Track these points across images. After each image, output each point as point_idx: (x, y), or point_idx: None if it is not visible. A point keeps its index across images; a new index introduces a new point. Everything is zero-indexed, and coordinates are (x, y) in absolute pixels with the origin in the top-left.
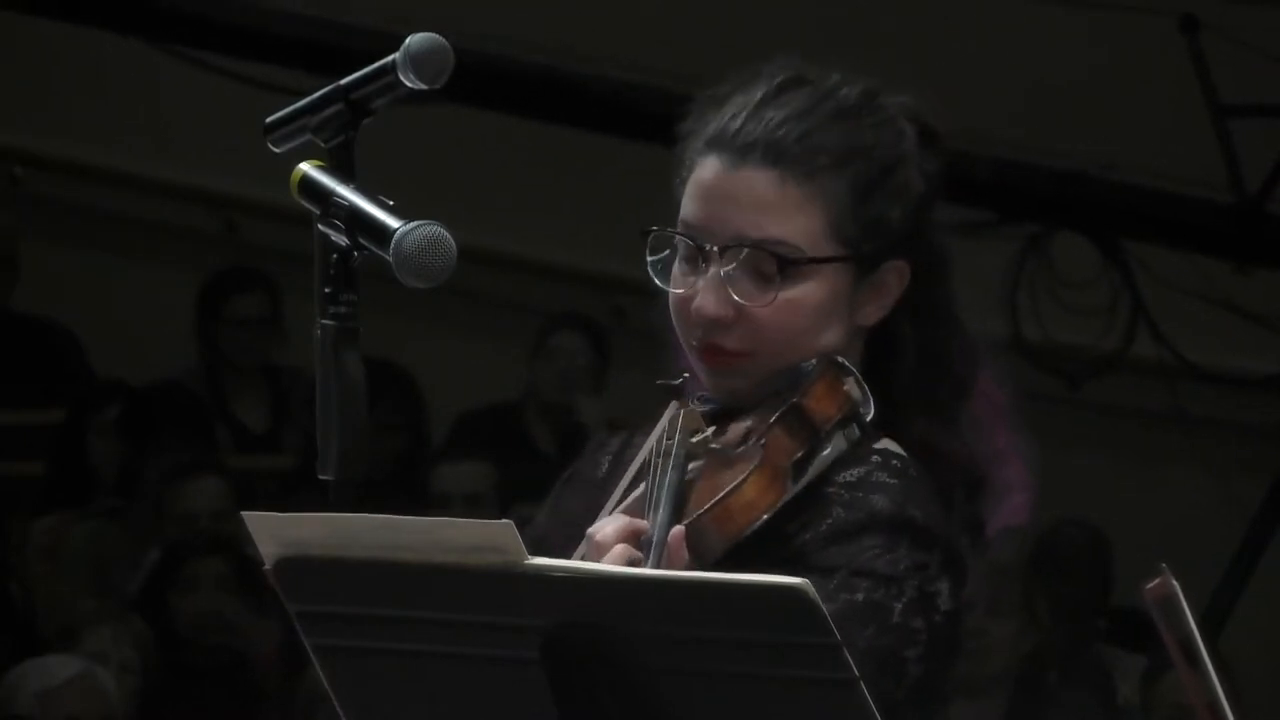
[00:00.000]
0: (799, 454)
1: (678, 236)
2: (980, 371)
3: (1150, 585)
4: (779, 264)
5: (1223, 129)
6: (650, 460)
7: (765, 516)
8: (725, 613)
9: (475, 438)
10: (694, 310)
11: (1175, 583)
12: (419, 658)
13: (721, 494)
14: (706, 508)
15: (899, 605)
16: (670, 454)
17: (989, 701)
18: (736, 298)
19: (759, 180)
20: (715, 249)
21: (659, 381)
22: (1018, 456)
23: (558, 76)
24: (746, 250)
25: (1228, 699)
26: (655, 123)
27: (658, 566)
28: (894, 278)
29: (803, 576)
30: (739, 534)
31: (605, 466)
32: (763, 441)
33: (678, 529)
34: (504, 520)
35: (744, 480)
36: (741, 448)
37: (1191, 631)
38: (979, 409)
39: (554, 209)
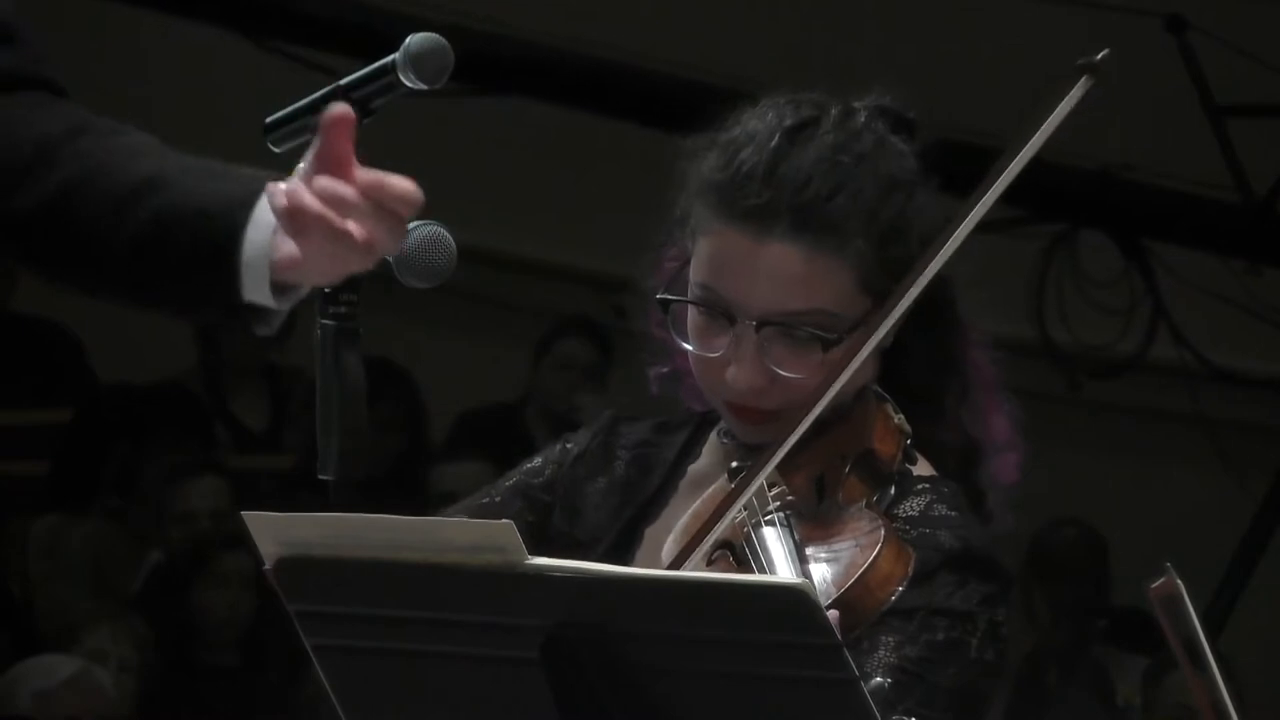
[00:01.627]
0: (875, 497)
1: (697, 295)
2: (970, 346)
3: (1155, 585)
4: (823, 344)
5: (1220, 129)
6: (736, 520)
7: (900, 588)
8: (725, 613)
9: (475, 438)
10: (729, 380)
11: (1180, 582)
12: (419, 658)
13: (861, 571)
14: (849, 585)
15: (974, 640)
16: (773, 520)
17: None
18: (774, 367)
19: (788, 256)
20: (750, 323)
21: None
22: (1003, 416)
23: (569, 62)
24: (780, 326)
25: (1231, 699)
26: (667, 108)
27: None
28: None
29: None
30: (878, 609)
31: (623, 465)
32: (864, 502)
33: (833, 614)
34: (504, 520)
35: (879, 554)
36: (826, 502)
37: (1196, 631)
38: (970, 379)
39: (554, 208)
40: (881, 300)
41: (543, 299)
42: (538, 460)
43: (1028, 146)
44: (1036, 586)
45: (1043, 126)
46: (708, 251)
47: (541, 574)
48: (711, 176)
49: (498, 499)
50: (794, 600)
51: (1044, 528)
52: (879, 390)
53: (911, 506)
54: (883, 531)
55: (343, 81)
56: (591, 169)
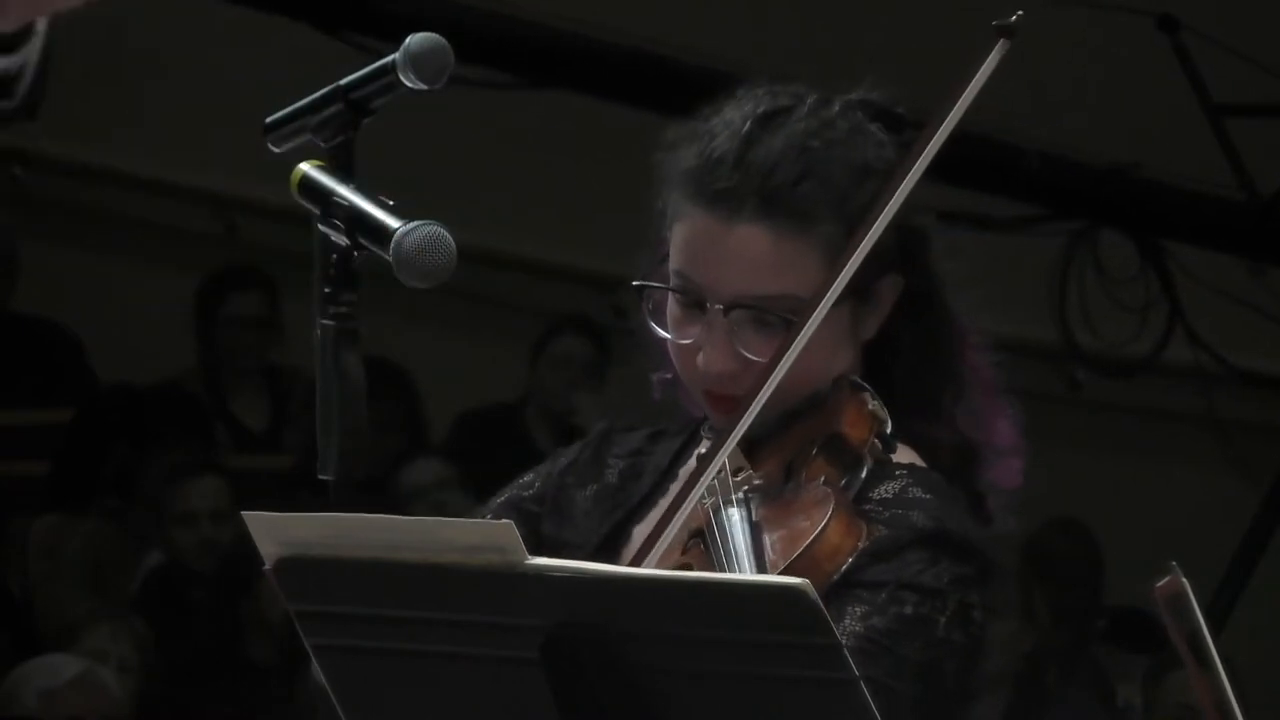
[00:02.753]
0: (844, 480)
1: (673, 282)
2: (968, 347)
3: (1160, 584)
4: (786, 324)
5: (1219, 128)
6: (704, 506)
7: (850, 560)
8: (725, 613)
9: (475, 438)
10: (700, 365)
11: (1185, 581)
12: (419, 658)
13: (806, 544)
14: (793, 559)
15: (942, 619)
16: (728, 495)
17: (988, 701)
18: (743, 351)
19: (755, 238)
20: (719, 307)
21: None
22: (1005, 420)
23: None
24: (749, 310)
25: (1236, 699)
26: (672, 91)
27: None
28: (889, 291)
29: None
30: (826, 581)
31: (616, 472)
32: (822, 479)
33: None
34: (504, 520)
35: (825, 528)
36: (791, 483)
37: (1201, 630)
38: (966, 379)
39: (553, 207)
40: (855, 287)
41: (542, 299)
42: (529, 475)
43: (952, 114)
44: (1036, 586)
45: (964, 95)
46: (681, 237)
47: (541, 574)
48: (686, 164)
49: (489, 516)
50: (794, 600)
51: (1043, 528)
52: (857, 380)
53: (887, 490)
54: (832, 504)
55: (343, 81)
56: (592, 168)
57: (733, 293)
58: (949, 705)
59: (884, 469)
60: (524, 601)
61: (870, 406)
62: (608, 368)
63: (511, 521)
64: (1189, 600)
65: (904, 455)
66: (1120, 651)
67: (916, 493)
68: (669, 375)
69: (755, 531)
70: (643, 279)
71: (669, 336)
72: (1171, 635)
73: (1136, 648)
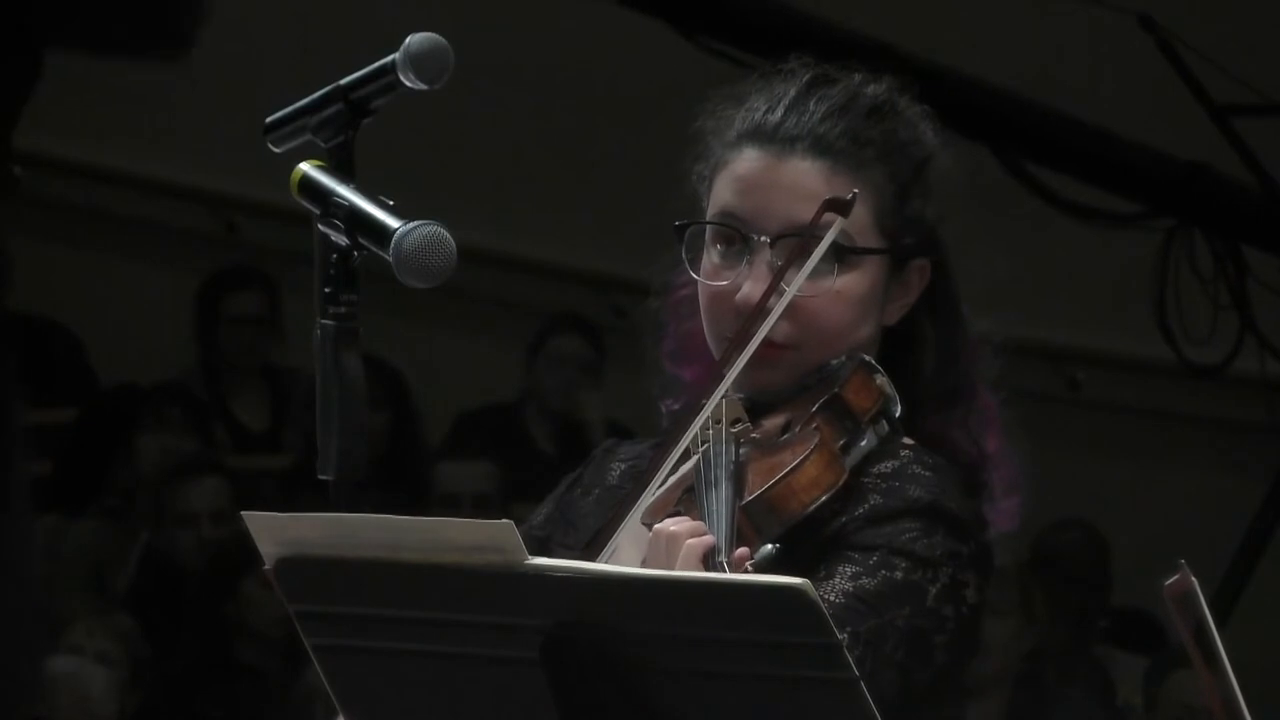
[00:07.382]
0: (841, 442)
1: (714, 228)
2: (977, 362)
3: (1169, 582)
4: (836, 252)
5: (1225, 127)
6: (697, 446)
7: (825, 496)
8: (725, 613)
9: (475, 438)
10: (740, 300)
11: (1194, 579)
12: (419, 658)
13: (784, 472)
14: (769, 485)
15: (933, 590)
16: (719, 438)
17: (989, 701)
18: (784, 286)
19: (808, 170)
20: (765, 239)
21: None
22: (1009, 462)
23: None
24: (799, 239)
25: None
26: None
27: (729, 545)
28: (917, 276)
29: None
30: (801, 512)
31: (617, 474)
32: (814, 426)
33: (743, 550)
34: (504, 520)
35: (805, 460)
36: (786, 435)
37: (1209, 628)
38: (975, 388)
39: (553, 208)
40: (894, 247)
41: (541, 299)
42: (542, 505)
43: (798, 279)
44: (1037, 586)
45: (807, 263)
46: (729, 178)
47: (541, 574)
48: (736, 118)
49: None
50: (794, 600)
51: (1046, 528)
52: (869, 359)
53: (887, 465)
54: (816, 440)
55: (343, 81)
56: (592, 168)
57: (780, 224)
58: (937, 683)
59: (887, 448)
60: (524, 601)
61: (878, 382)
62: (604, 363)
63: (511, 522)
64: (1198, 598)
65: (909, 441)
66: (1121, 652)
67: (916, 470)
68: (677, 406)
69: (738, 464)
70: (682, 231)
71: (703, 280)
72: (1180, 633)
73: (1138, 648)
